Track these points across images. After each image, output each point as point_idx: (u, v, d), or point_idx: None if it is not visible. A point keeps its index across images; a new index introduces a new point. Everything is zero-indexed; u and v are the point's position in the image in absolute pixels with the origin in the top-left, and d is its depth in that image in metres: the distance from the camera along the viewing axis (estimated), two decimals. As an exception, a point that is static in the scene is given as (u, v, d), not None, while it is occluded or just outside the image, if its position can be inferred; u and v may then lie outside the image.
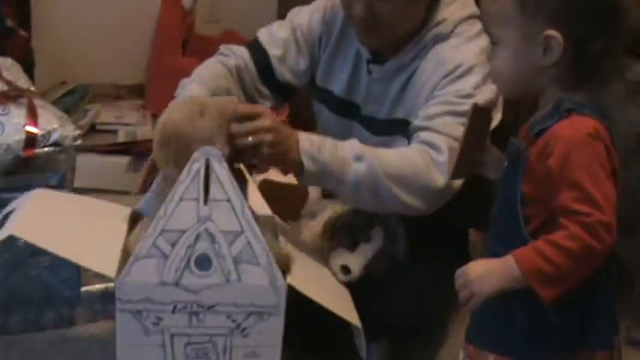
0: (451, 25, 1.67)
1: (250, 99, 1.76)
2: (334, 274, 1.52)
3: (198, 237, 1.26)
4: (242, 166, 1.50)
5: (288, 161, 1.46)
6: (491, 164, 1.36)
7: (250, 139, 1.40)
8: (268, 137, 1.41)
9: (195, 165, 1.24)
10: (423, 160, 1.51)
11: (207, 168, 1.24)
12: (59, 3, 3.08)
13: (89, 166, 2.40)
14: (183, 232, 1.26)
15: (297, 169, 1.47)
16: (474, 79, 1.59)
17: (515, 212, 1.22)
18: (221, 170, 1.24)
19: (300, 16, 1.82)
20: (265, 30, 1.83)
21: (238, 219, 1.26)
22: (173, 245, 1.27)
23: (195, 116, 1.37)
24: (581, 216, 1.14)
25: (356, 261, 1.52)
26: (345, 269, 1.52)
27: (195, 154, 1.24)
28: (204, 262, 1.28)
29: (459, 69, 1.61)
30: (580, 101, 1.21)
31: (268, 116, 1.44)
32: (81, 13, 3.09)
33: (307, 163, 1.46)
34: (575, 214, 1.15)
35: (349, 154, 1.49)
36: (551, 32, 1.19)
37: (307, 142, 1.47)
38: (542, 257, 1.16)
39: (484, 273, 1.22)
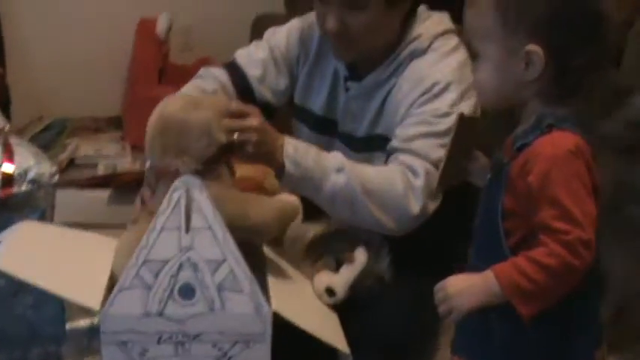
0: (427, 40, 1.68)
1: None
2: (319, 296, 1.52)
3: (181, 266, 1.26)
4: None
5: (272, 162, 1.50)
6: (478, 172, 1.36)
7: (236, 135, 1.42)
8: (254, 136, 1.44)
9: (176, 194, 1.24)
10: (402, 183, 1.52)
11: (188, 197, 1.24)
12: (33, 38, 3.08)
13: (69, 201, 2.39)
14: (166, 261, 1.25)
15: (279, 171, 1.50)
16: (450, 96, 1.59)
17: (495, 226, 1.22)
18: (201, 199, 1.24)
19: (277, 36, 1.83)
20: (243, 51, 1.84)
21: (220, 247, 1.25)
22: (156, 275, 1.26)
23: (190, 108, 1.40)
24: (561, 234, 1.14)
25: (340, 282, 1.52)
26: (330, 291, 1.51)
27: (175, 183, 1.24)
28: (187, 292, 1.27)
29: (436, 87, 1.62)
30: (563, 115, 1.21)
31: (257, 116, 1.47)
32: (55, 48, 3.09)
33: (289, 167, 1.49)
34: (555, 231, 1.15)
35: (331, 164, 1.52)
36: (532, 47, 1.19)
37: (292, 146, 1.50)
38: (522, 274, 1.16)
39: (464, 288, 1.22)
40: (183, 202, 1.24)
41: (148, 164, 1.53)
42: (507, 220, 1.22)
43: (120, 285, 1.26)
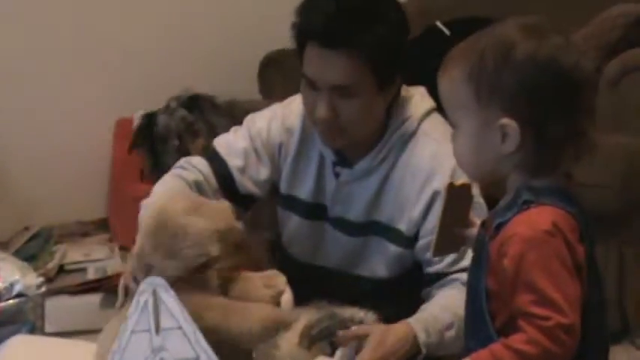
0: (415, 121, 1.70)
1: None
2: None
3: (155, 368, 1.24)
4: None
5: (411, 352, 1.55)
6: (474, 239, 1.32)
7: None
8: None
9: (143, 297, 1.23)
10: None
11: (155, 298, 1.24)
12: (10, 149, 3.08)
13: (60, 309, 2.37)
14: (140, 364, 1.24)
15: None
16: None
17: (480, 308, 1.18)
18: (169, 299, 1.23)
19: (258, 124, 1.81)
20: (222, 140, 1.83)
21: (192, 345, 1.24)
22: (131, 378, 1.24)
23: (190, 211, 1.39)
24: (540, 320, 1.10)
25: None
26: None
27: (142, 285, 1.23)
28: (164, 392, 1.24)
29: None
30: (545, 187, 1.17)
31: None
32: (33, 156, 3.09)
33: (424, 350, 1.54)
34: (534, 317, 1.10)
35: (443, 324, 1.57)
36: (506, 120, 1.15)
37: (424, 333, 1.54)
38: None
39: None
40: (151, 304, 1.23)
41: (135, 249, 1.50)
42: (492, 302, 1.17)
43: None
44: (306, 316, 1.50)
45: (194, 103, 2.85)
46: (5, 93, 3.01)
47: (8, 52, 3.00)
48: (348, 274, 1.79)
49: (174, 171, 1.80)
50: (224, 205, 1.49)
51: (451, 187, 1.32)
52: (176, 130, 2.79)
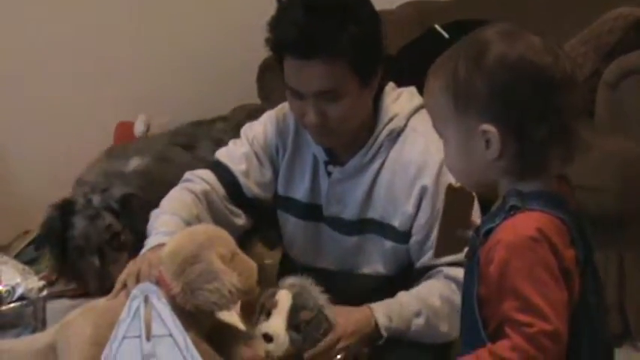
0: (404, 119, 1.71)
1: (222, 220, 1.76)
2: (259, 347, 1.52)
3: (145, 374, 1.24)
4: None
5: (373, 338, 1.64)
6: None
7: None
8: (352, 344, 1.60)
9: (135, 302, 1.24)
10: (458, 298, 1.55)
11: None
12: (13, 154, 3.09)
13: (62, 312, 2.35)
14: (130, 370, 1.24)
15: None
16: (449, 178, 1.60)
17: (473, 314, 1.18)
18: (161, 306, 1.24)
19: (255, 129, 1.84)
20: (223, 150, 1.85)
21: (182, 353, 1.24)
22: (123, 384, 1.24)
23: (226, 259, 1.44)
24: (524, 326, 1.10)
25: (272, 325, 1.55)
26: (267, 337, 1.56)
27: (134, 291, 1.24)
28: (153, 399, 1.25)
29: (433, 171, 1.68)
30: (533, 192, 1.16)
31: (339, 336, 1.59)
32: (34, 160, 3.09)
33: (384, 333, 1.63)
34: (518, 324, 1.10)
35: (410, 312, 1.64)
36: (486, 127, 1.15)
37: (385, 318, 1.62)
38: None
39: None
40: (142, 310, 1.23)
41: (156, 259, 1.51)
42: (484, 308, 1.17)
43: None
44: None
45: (125, 204, 2.15)
46: (6, 96, 3.02)
47: (9, 56, 3.01)
48: (349, 273, 1.81)
49: (181, 185, 1.82)
50: (253, 265, 1.51)
51: (450, 189, 1.33)
52: (97, 242, 2.13)
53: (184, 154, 2.31)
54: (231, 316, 1.59)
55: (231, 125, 2.42)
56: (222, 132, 2.39)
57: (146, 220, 1.79)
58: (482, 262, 1.17)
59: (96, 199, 2.17)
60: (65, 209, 2.19)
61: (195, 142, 2.38)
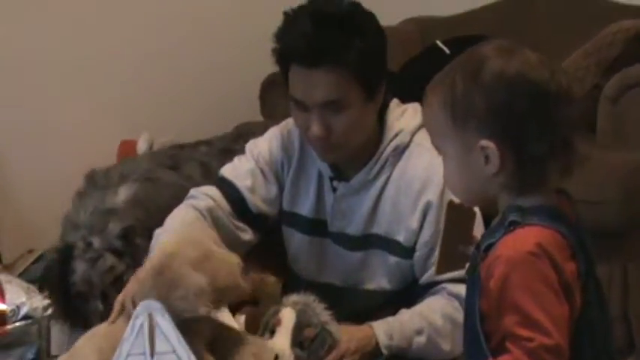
0: (408, 134, 1.72)
1: (228, 236, 1.77)
2: None
3: (150, 391, 1.25)
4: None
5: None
6: None
7: None
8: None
9: (138, 320, 1.25)
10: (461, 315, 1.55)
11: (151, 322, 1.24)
12: (16, 172, 3.09)
13: (66, 331, 2.35)
14: (136, 387, 1.24)
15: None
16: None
17: (475, 328, 1.18)
18: (164, 323, 1.24)
19: (259, 146, 1.85)
20: (228, 166, 1.86)
21: None
22: (128, 401, 1.24)
23: (197, 263, 1.40)
24: (524, 341, 1.10)
25: (277, 343, 1.54)
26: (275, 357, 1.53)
27: (138, 309, 1.24)
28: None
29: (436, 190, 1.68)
30: (532, 206, 1.16)
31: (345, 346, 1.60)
32: (38, 179, 3.10)
33: (385, 351, 1.64)
34: (518, 338, 1.11)
35: (412, 330, 1.64)
36: (484, 142, 1.16)
37: (385, 336, 1.63)
38: None
39: None
40: (146, 328, 1.23)
41: (141, 274, 1.51)
42: (486, 323, 1.17)
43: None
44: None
45: (126, 237, 2.06)
46: (9, 114, 3.02)
47: (12, 72, 3.02)
48: (354, 289, 1.81)
49: (186, 202, 1.82)
50: (232, 260, 1.49)
51: (451, 205, 1.33)
52: (100, 286, 2.05)
53: (171, 173, 2.25)
54: (223, 317, 1.57)
55: (214, 150, 2.37)
56: (205, 155, 2.35)
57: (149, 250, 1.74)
58: (482, 277, 1.17)
59: (96, 242, 2.08)
60: (64, 254, 2.11)
61: (180, 163, 2.31)
